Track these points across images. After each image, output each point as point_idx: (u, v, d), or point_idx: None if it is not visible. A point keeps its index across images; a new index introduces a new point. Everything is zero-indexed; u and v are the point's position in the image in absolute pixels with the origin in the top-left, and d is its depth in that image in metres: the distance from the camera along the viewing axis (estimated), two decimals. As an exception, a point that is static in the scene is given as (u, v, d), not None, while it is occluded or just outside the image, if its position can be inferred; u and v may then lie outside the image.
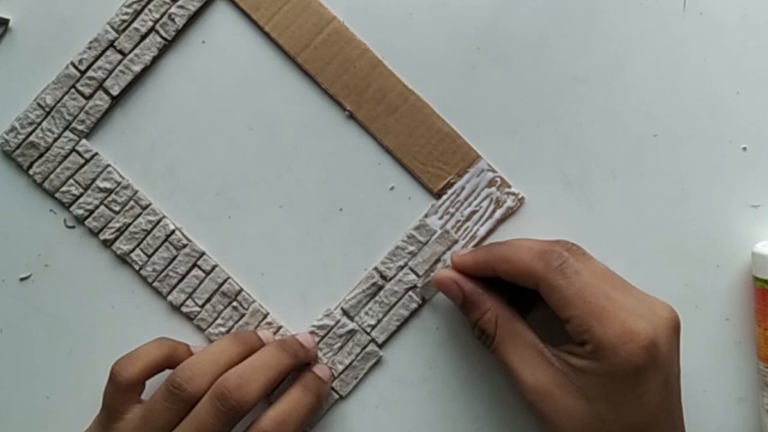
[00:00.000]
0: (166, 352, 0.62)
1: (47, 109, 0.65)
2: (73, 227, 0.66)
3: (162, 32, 0.64)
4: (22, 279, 0.66)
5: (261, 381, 0.58)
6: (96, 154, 0.65)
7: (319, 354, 0.65)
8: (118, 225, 0.65)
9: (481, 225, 0.65)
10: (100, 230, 0.65)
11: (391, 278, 0.65)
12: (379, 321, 0.65)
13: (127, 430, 0.59)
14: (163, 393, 0.58)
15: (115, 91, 0.64)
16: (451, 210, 0.65)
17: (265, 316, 0.65)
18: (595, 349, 0.53)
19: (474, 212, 0.65)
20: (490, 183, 0.64)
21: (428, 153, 0.64)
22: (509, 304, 0.60)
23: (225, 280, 0.65)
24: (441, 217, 0.65)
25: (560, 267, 0.55)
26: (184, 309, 0.65)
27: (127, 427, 0.59)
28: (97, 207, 0.65)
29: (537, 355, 0.57)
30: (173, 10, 0.64)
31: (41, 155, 0.65)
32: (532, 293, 0.57)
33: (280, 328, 0.65)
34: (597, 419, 0.54)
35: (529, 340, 0.57)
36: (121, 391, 0.60)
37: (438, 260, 0.65)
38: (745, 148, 0.64)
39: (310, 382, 0.62)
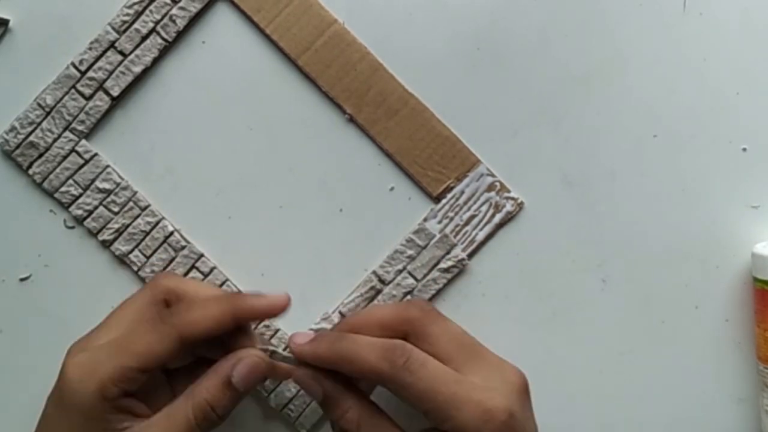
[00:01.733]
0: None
1: (47, 109, 0.64)
2: (72, 227, 0.66)
3: (163, 33, 0.64)
4: (22, 279, 0.66)
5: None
6: (96, 154, 0.65)
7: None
8: (117, 226, 0.65)
9: (480, 229, 0.65)
10: (99, 231, 0.65)
11: (390, 282, 0.65)
12: (377, 325, 0.65)
13: None
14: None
15: (115, 92, 0.64)
16: (450, 214, 0.65)
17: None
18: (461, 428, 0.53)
19: (473, 216, 0.64)
20: (490, 187, 0.64)
21: (428, 157, 0.64)
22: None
23: (223, 282, 0.65)
24: (440, 221, 0.65)
25: (405, 365, 0.53)
26: (183, 310, 0.65)
27: None
28: (96, 207, 0.65)
29: None
30: (174, 11, 0.64)
31: (41, 155, 0.65)
32: None
33: (277, 331, 0.65)
34: None
35: None
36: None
37: (437, 264, 0.65)
38: (745, 149, 0.64)
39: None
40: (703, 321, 0.64)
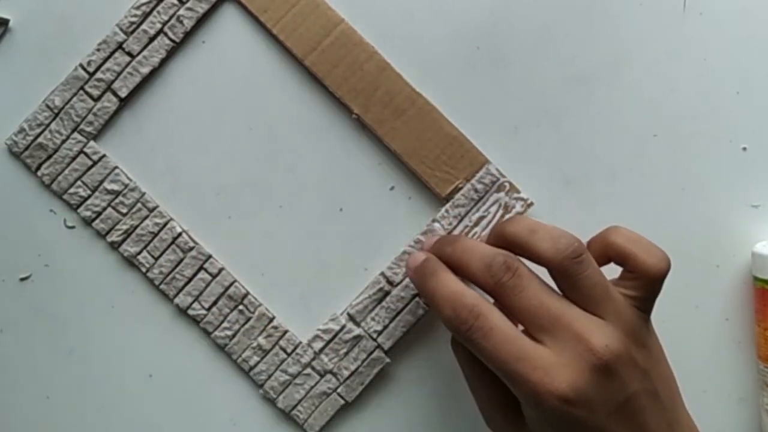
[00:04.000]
0: None
1: (56, 111, 0.64)
2: (73, 227, 0.66)
3: (170, 34, 0.64)
4: (22, 279, 0.66)
5: None
6: (104, 156, 0.65)
7: (325, 359, 0.65)
8: (125, 227, 0.65)
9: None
10: (108, 232, 0.65)
11: (398, 284, 0.65)
12: (385, 327, 0.65)
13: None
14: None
15: (123, 93, 0.64)
16: (460, 215, 0.65)
17: (271, 319, 0.65)
18: (522, 402, 0.53)
19: (482, 218, 0.64)
20: (499, 188, 0.64)
21: (436, 157, 0.64)
22: None
23: (231, 283, 0.65)
24: (450, 222, 0.64)
25: (468, 332, 0.53)
26: (190, 312, 0.65)
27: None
28: (104, 209, 0.65)
29: (496, 401, 0.57)
30: (181, 12, 0.64)
31: (49, 157, 0.65)
32: None
33: (285, 332, 0.65)
34: None
35: (491, 380, 0.56)
36: None
37: None
38: (745, 148, 0.64)
39: None
40: (703, 321, 0.64)
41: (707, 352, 0.64)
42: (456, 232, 0.64)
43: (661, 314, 0.63)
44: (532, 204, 0.64)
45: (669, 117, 0.65)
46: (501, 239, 0.57)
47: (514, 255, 0.54)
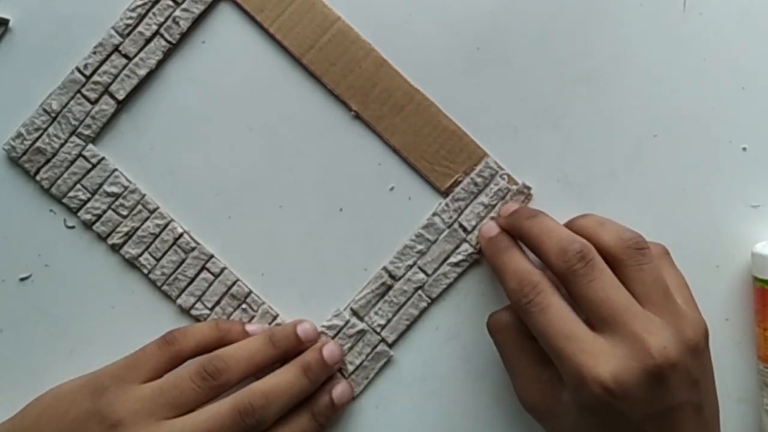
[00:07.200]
0: (218, 336, 0.63)
1: (53, 115, 0.64)
2: (72, 227, 0.65)
3: (166, 36, 0.64)
4: (22, 279, 0.66)
5: (281, 404, 0.60)
6: (103, 158, 0.65)
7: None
8: (126, 229, 0.65)
9: (490, 222, 0.65)
10: (108, 235, 0.65)
11: (401, 277, 0.65)
12: (389, 321, 0.65)
13: (141, 396, 0.59)
14: (192, 374, 0.59)
15: (120, 96, 0.64)
16: (460, 208, 0.65)
17: (275, 317, 0.66)
18: (565, 383, 0.54)
19: (482, 209, 0.65)
20: (498, 180, 0.65)
21: (435, 152, 0.64)
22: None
23: (234, 283, 0.65)
24: (450, 216, 0.65)
25: (527, 305, 0.55)
26: (193, 312, 0.65)
27: (142, 392, 0.59)
28: (104, 212, 0.65)
29: (535, 377, 0.58)
30: (177, 13, 0.64)
31: (48, 161, 0.65)
32: None
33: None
34: None
35: (532, 358, 0.58)
36: (166, 356, 0.61)
37: (447, 258, 0.65)
38: (745, 148, 0.64)
39: (322, 410, 0.63)
40: (703, 321, 0.64)
41: (707, 352, 0.64)
42: (456, 225, 0.65)
43: (661, 314, 0.63)
44: (531, 195, 0.65)
45: (669, 117, 0.65)
46: (570, 229, 0.58)
47: (590, 245, 0.56)
